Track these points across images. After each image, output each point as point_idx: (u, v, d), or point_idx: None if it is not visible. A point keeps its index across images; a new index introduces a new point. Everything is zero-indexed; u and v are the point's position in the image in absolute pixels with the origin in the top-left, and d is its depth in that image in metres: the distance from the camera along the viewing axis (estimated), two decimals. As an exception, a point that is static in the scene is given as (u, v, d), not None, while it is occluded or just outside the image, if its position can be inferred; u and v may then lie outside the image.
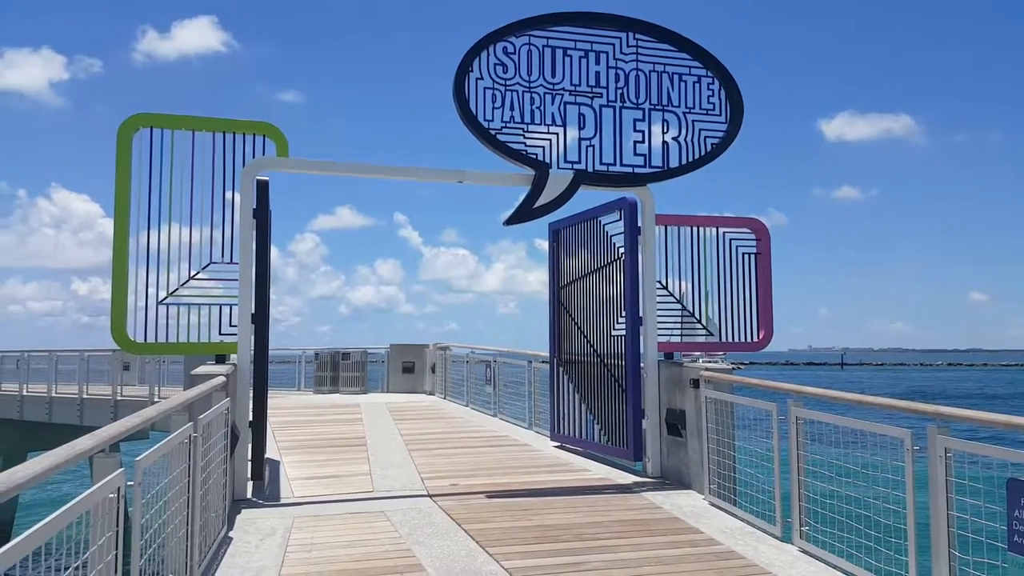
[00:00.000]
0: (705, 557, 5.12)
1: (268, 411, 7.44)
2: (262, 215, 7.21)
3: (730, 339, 8.33)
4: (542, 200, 7.87)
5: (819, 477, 5.33)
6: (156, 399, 13.89)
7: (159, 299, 6.83)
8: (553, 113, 7.96)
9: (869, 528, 4.76)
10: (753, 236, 8.54)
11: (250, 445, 6.97)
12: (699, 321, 8.32)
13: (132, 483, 3.19)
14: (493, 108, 7.78)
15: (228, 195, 7.13)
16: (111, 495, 2.90)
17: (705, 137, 8.31)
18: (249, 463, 6.92)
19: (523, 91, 7.87)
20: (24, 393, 17.95)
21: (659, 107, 8.21)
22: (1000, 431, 4.35)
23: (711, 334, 8.29)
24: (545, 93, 7.94)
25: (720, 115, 8.36)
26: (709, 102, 8.33)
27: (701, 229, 8.43)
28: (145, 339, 6.75)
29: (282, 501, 6.65)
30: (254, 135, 7.27)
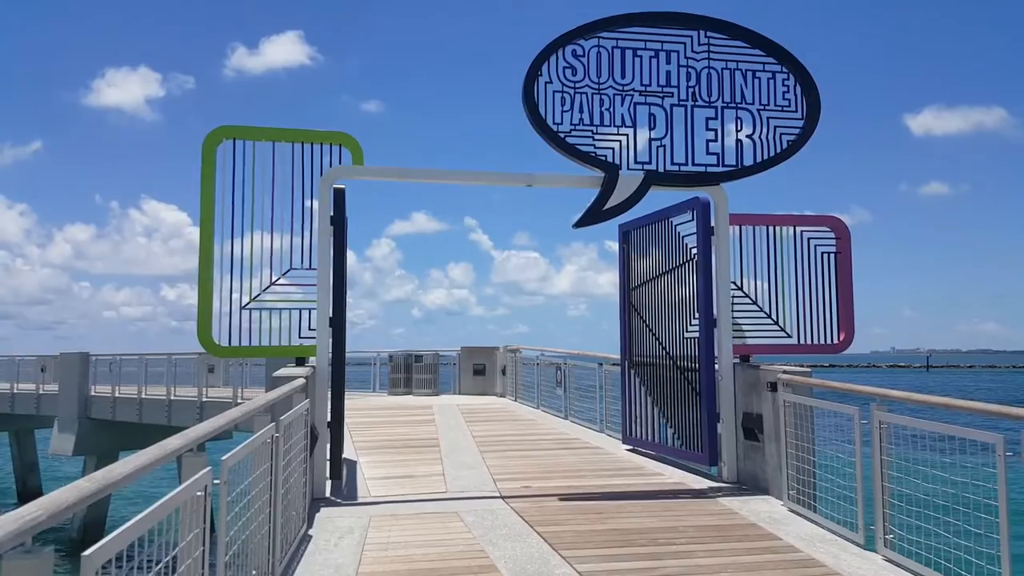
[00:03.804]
0: (784, 564, 4.97)
1: (345, 412, 7.65)
2: (339, 222, 7.42)
3: (809, 341, 8.05)
4: (612, 202, 7.80)
5: (904, 483, 5.09)
6: (239, 400, 14.49)
7: (242, 304, 7.13)
8: (623, 114, 7.88)
9: (959, 537, 4.52)
10: (832, 235, 8.23)
11: (328, 445, 7.18)
12: (776, 322, 8.07)
13: (218, 481, 3.33)
14: (562, 111, 7.76)
15: (307, 203, 7.38)
16: (199, 493, 3.04)
17: (781, 134, 8.06)
18: (328, 463, 7.13)
19: (592, 93, 7.83)
20: (116, 395, 19.02)
21: (732, 105, 8.01)
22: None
23: (789, 335, 8.04)
24: (615, 94, 7.87)
25: (796, 111, 8.09)
26: (784, 98, 8.08)
27: (777, 228, 8.18)
28: (229, 342, 7.06)
29: (359, 500, 6.82)
30: (331, 144, 7.49)
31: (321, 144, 7.47)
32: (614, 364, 10.24)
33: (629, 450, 9.28)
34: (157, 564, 2.62)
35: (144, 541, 2.48)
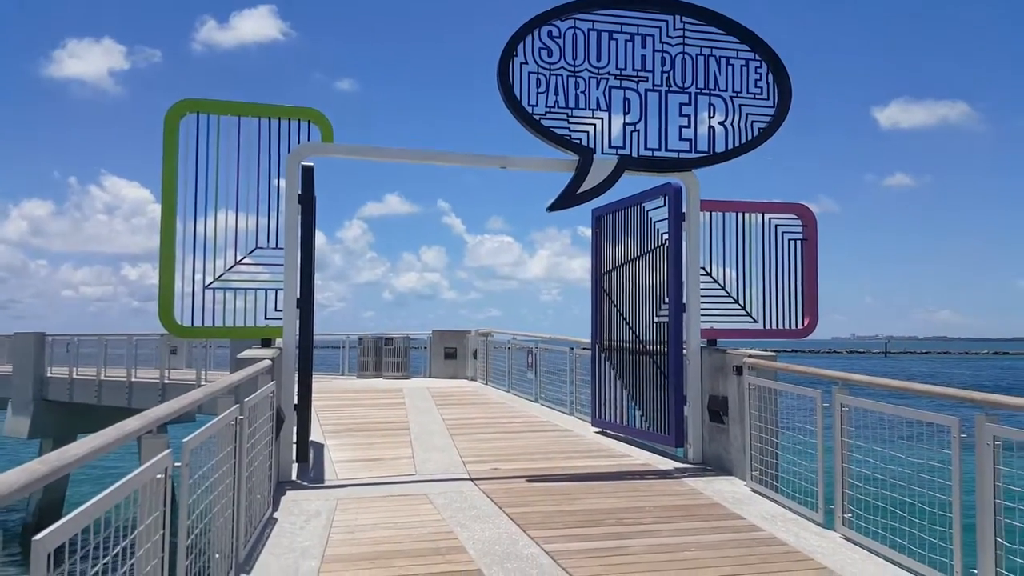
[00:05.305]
0: (747, 543, 5.07)
1: (313, 395, 7.56)
2: (307, 201, 7.27)
3: (774, 326, 8.17)
4: (586, 186, 7.77)
5: (863, 464, 5.22)
6: (203, 382, 14.26)
7: (205, 284, 6.96)
8: (598, 98, 7.84)
9: (914, 516, 4.66)
10: (799, 222, 8.34)
11: (295, 428, 7.10)
12: (743, 308, 8.17)
13: (180, 464, 3.25)
14: (537, 93, 7.69)
15: (274, 181, 7.22)
16: (159, 475, 2.96)
17: (752, 122, 8.10)
18: (294, 445, 7.05)
19: (568, 76, 7.76)
20: (74, 376, 18.52)
21: (705, 91, 8.02)
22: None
23: (755, 320, 8.16)
24: (590, 77, 7.82)
25: (768, 99, 8.13)
26: (756, 86, 8.11)
27: (746, 215, 8.26)
28: (192, 323, 6.90)
29: (326, 483, 6.76)
30: (299, 120, 7.33)
31: (289, 120, 7.31)
32: (585, 348, 10.28)
33: (598, 432, 9.34)
34: (114, 548, 2.54)
35: (100, 524, 2.40)
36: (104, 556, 2.42)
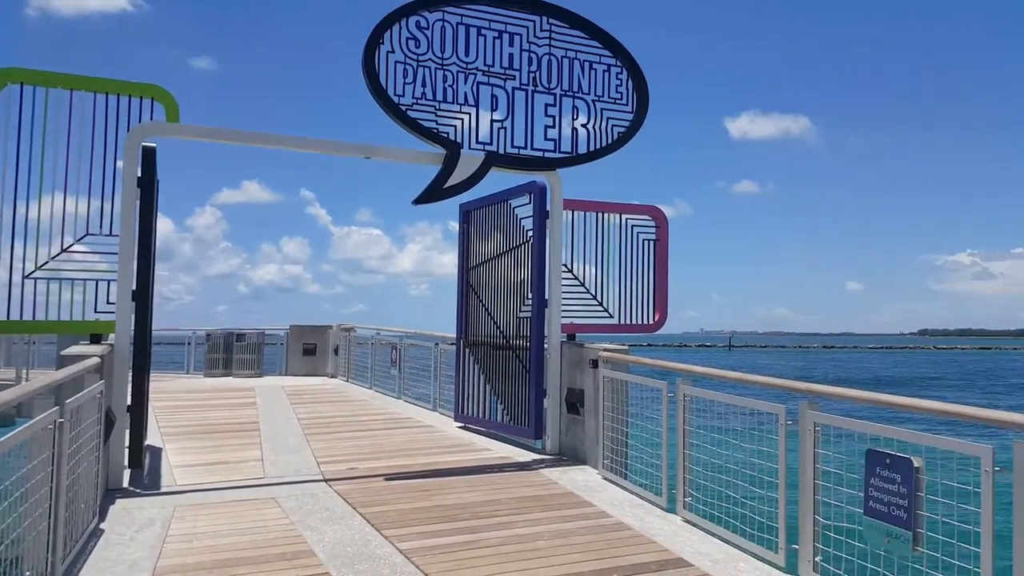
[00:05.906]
0: (595, 529, 5.26)
1: (150, 395, 7.01)
2: (147, 184, 6.71)
3: (629, 321, 8.56)
4: (453, 180, 7.74)
5: (704, 451, 5.55)
6: (23, 382, 12.82)
7: (26, 273, 6.24)
8: (466, 93, 7.83)
9: (746, 497, 5.01)
10: (653, 223, 8.79)
11: (128, 431, 6.54)
12: (600, 303, 8.49)
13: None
14: (404, 83, 7.55)
15: (110, 162, 6.60)
16: (-51, 487, 2.60)
17: (612, 125, 8.40)
18: (126, 450, 6.49)
19: (436, 68, 7.68)
20: None
21: (570, 93, 8.23)
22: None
23: (611, 316, 8.51)
24: (458, 72, 7.78)
25: (627, 104, 8.47)
26: (617, 91, 8.43)
27: (606, 215, 8.58)
28: (8, 316, 6.15)
29: (163, 490, 6.27)
30: (141, 98, 6.76)
31: (130, 97, 6.71)
32: (450, 343, 10.25)
33: (460, 427, 9.34)
34: None
35: None
36: None
